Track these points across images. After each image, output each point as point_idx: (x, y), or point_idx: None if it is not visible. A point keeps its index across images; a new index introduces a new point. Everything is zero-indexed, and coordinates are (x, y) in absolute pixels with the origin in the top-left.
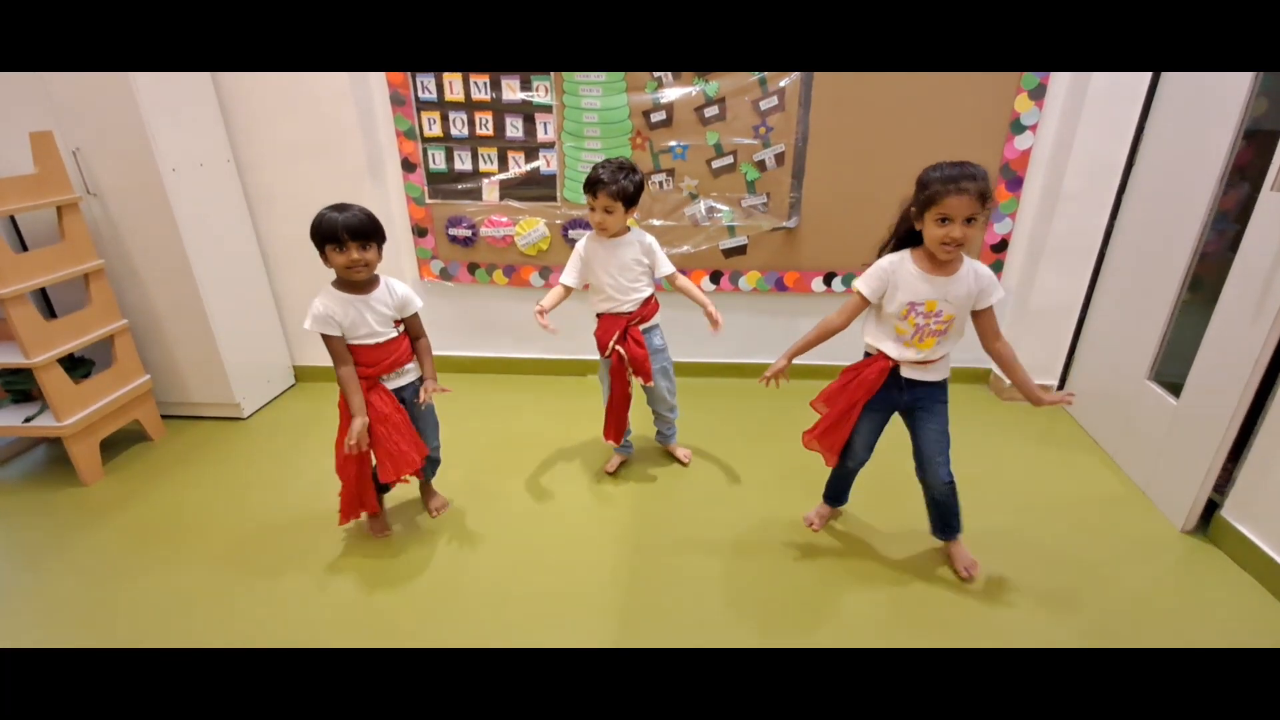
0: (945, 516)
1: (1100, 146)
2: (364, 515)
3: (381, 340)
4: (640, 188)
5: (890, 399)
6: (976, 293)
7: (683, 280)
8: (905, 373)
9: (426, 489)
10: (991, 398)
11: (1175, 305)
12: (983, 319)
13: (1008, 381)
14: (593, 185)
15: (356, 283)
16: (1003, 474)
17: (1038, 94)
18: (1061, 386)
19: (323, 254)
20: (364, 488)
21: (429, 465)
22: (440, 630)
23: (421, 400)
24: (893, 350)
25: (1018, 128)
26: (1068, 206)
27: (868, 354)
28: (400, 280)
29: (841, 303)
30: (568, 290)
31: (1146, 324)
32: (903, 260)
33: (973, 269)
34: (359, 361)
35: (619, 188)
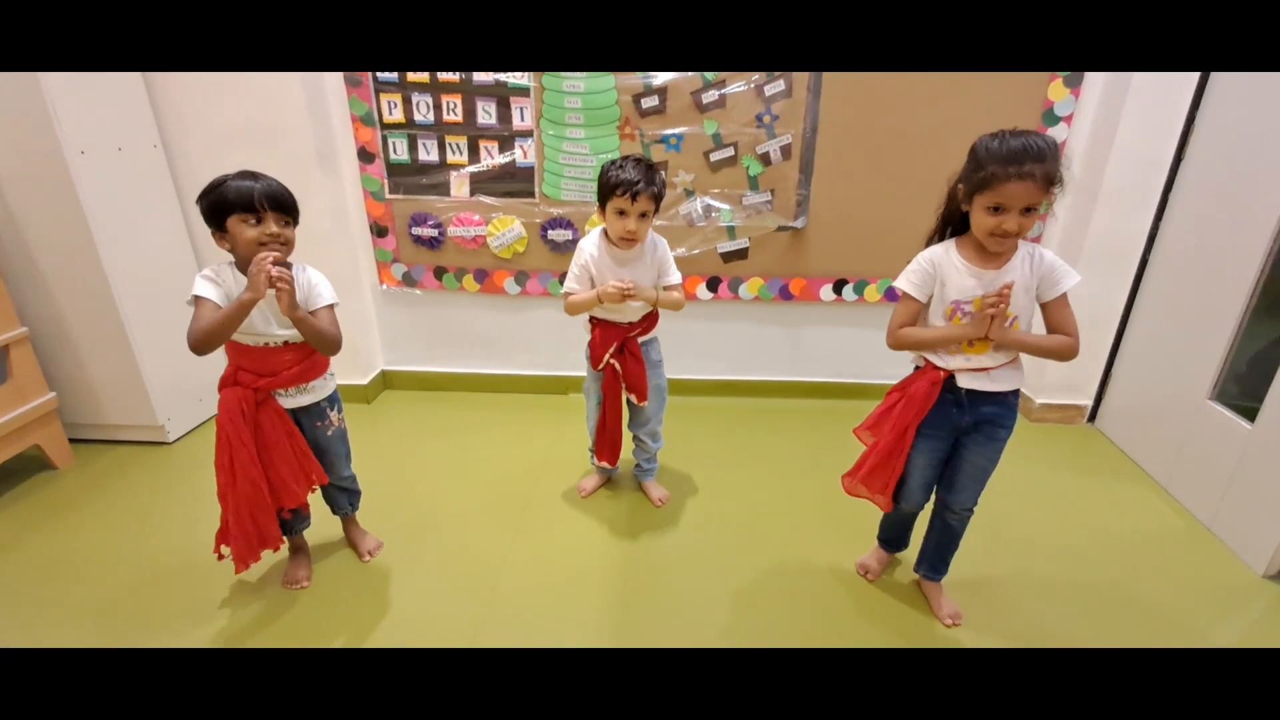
0: (944, 549)
1: (1145, 138)
2: (278, 554)
3: (280, 343)
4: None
5: (948, 419)
6: (1036, 281)
7: (675, 295)
8: (963, 382)
9: (351, 527)
10: (1019, 418)
11: (1243, 317)
12: (1051, 313)
13: (1037, 401)
14: (628, 186)
15: None
16: (1039, 505)
17: (1073, 81)
18: (1097, 406)
19: (221, 230)
20: (263, 519)
21: (343, 497)
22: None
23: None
24: (938, 357)
25: (1050, 118)
26: (1107, 205)
27: (916, 366)
28: (358, 285)
29: (860, 314)
30: None
31: (1205, 337)
32: (948, 251)
33: (1026, 253)
34: (254, 370)
35: (658, 189)
